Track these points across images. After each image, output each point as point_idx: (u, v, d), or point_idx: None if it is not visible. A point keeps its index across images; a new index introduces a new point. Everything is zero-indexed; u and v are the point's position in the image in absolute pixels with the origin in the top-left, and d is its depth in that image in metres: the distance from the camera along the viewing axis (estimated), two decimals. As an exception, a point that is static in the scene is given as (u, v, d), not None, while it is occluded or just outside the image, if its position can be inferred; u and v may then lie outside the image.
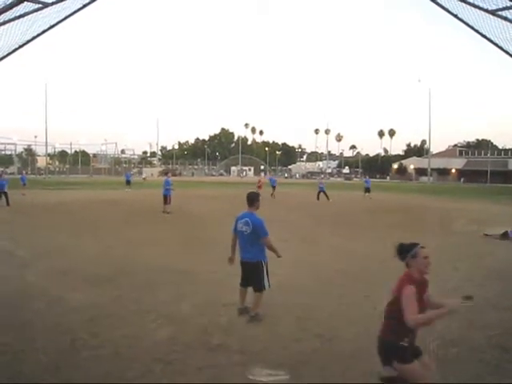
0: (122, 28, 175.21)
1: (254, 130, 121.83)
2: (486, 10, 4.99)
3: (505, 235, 10.56)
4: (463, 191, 37.63)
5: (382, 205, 20.32)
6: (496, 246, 9.64)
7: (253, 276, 4.73)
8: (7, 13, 4.34)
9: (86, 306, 5.05)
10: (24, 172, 30.37)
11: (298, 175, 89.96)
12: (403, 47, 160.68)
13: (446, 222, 13.66)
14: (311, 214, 16.46)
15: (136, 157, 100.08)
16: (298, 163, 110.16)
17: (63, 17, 5.21)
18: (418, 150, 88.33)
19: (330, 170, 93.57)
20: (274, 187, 25.44)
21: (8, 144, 73.09)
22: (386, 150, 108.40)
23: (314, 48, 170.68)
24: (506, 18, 4.95)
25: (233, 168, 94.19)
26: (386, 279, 6.43)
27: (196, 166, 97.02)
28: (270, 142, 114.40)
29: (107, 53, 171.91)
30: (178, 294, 5.56)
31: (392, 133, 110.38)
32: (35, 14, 4.70)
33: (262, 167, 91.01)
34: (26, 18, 4.66)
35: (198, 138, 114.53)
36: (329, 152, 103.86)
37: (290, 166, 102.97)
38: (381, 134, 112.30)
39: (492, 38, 5.44)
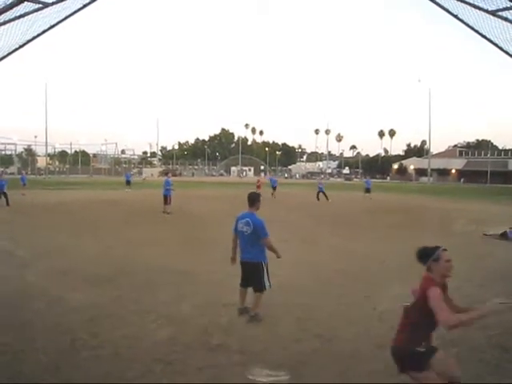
0: (122, 28, 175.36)
1: (254, 131, 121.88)
2: (486, 11, 5.00)
3: (504, 235, 10.57)
4: (463, 191, 37.63)
5: (382, 205, 20.31)
6: (496, 247, 9.65)
7: (253, 276, 4.73)
8: (7, 13, 4.34)
9: (85, 306, 5.05)
10: (24, 172, 30.31)
11: (298, 175, 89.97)
12: (403, 47, 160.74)
13: (445, 223, 13.66)
14: (311, 214, 16.46)
15: (136, 157, 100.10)
16: (298, 163, 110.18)
17: (63, 17, 5.22)
18: (418, 151, 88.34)
19: (330, 171, 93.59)
20: (274, 188, 25.34)
21: (8, 144, 73.11)
22: (386, 151, 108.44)
23: (314, 48, 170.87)
24: (506, 19, 4.95)
25: (233, 168, 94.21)
26: (386, 279, 6.47)
27: (196, 167, 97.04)
28: (270, 142, 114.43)
29: (107, 53, 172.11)
30: (178, 295, 5.56)
31: (392, 133, 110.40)
32: (35, 14, 4.70)
33: (262, 167, 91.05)
34: (26, 18, 4.66)
35: (198, 138, 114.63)
36: (329, 152, 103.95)
37: (290, 167, 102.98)
38: (381, 134, 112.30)
39: (492, 39, 5.45)
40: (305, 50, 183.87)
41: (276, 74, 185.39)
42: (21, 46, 5.20)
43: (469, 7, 5.16)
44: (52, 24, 5.19)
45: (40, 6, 4.62)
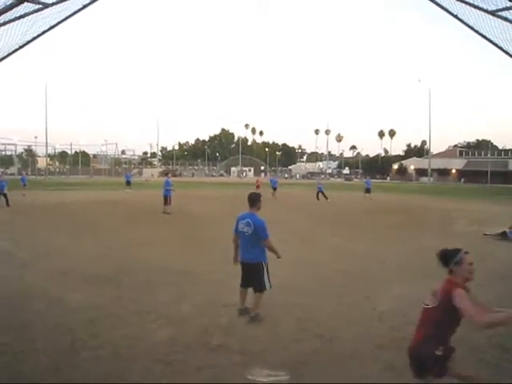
0: (122, 29, 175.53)
1: (254, 131, 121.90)
2: (486, 11, 5.00)
3: (504, 234, 10.57)
4: (463, 192, 37.63)
5: (382, 205, 20.32)
6: (496, 247, 9.64)
7: (253, 277, 4.72)
8: (7, 13, 4.35)
9: (85, 306, 5.05)
10: (24, 173, 30.37)
11: (298, 176, 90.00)
12: (403, 47, 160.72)
13: (446, 223, 13.66)
14: (311, 214, 16.46)
15: (136, 157, 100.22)
16: (298, 164, 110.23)
17: (63, 17, 5.23)
18: (419, 151, 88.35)
19: (330, 171, 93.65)
20: (274, 188, 25.06)
21: (8, 144, 73.24)
22: (386, 151, 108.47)
23: (314, 48, 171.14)
24: (506, 19, 4.96)
25: (233, 168, 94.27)
26: (386, 280, 6.47)
27: (196, 167, 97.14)
28: (270, 142, 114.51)
29: (107, 53, 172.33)
30: (178, 295, 5.56)
31: (392, 133, 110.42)
32: (35, 14, 4.71)
33: (262, 168, 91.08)
34: (26, 18, 4.67)
35: (198, 139, 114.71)
36: (329, 152, 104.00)
37: (290, 167, 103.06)
38: (381, 134, 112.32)
39: (492, 39, 5.45)
40: (305, 50, 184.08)
41: (276, 74, 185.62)
42: (21, 47, 5.21)
43: (469, 7, 5.16)
44: (52, 25, 5.21)
45: (40, 6, 4.62)
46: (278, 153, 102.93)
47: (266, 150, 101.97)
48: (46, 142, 58.85)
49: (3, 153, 74.99)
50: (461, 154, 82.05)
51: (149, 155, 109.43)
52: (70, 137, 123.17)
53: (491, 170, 64.57)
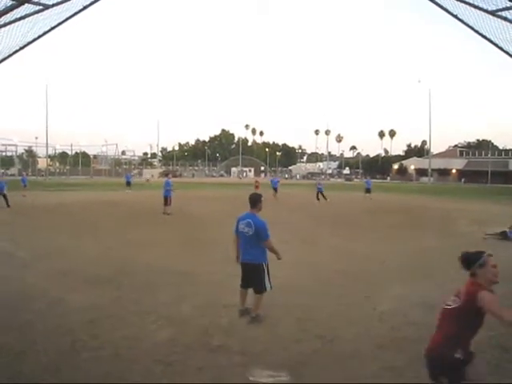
0: (123, 29, 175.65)
1: (254, 131, 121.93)
2: (486, 11, 5.01)
3: (503, 234, 10.58)
4: (464, 192, 37.62)
5: (383, 205, 20.31)
6: (496, 247, 9.62)
7: (253, 278, 4.72)
8: (8, 15, 4.36)
9: (86, 307, 5.05)
10: (24, 173, 30.33)
11: (298, 176, 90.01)
12: (403, 47, 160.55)
13: (446, 223, 13.66)
14: (311, 214, 16.46)
15: (136, 158, 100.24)
16: (298, 164, 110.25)
17: (64, 18, 5.24)
18: (419, 151, 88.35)
19: (330, 171, 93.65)
20: (275, 189, 24.65)
21: (9, 145, 73.10)
22: (386, 151, 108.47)
23: (314, 48, 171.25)
24: (505, 19, 4.96)
25: (233, 169, 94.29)
26: (387, 280, 6.47)
27: (196, 167, 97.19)
28: (271, 142, 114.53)
29: (108, 54, 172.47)
30: (178, 295, 5.56)
31: (392, 133, 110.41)
32: (36, 15, 4.72)
33: (263, 168, 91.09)
34: (26, 19, 4.68)
35: (198, 139, 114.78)
36: (329, 153, 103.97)
37: (290, 167, 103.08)
38: (381, 134, 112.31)
39: (492, 39, 5.46)
40: (305, 50, 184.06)
41: (276, 74, 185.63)
42: (21, 48, 5.22)
43: (469, 7, 5.17)
44: (52, 26, 5.22)
45: (40, 7, 4.63)
46: (278, 153, 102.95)
47: (267, 150, 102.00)
48: (47, 143, 58.89)
49: (4, 153, 74.92)
50: (461, 154, 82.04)
51: (149, 156, 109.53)
52: (70, 137, 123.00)
53: (491, 170, 64.55)
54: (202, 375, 3.50)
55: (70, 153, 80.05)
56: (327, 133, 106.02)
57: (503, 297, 5.56)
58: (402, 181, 70.26)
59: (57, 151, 79.37)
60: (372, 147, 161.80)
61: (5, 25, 4.57)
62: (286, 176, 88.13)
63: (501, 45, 5.45)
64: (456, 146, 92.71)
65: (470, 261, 2.65)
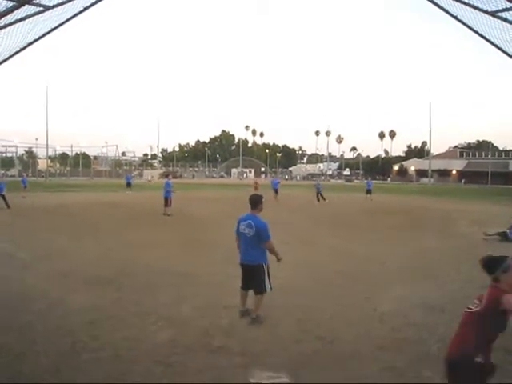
0: (123, 30, 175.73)
1: (254, 132, 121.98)
2: (486, 12, 5.00)
3: (504, 235, 10.57)
4: (464, 192, 37.61)
5: (383, 206, 20.32)
6: (497, 247, 9.62)
7: (254, 279, 4.71)
8: (8, 16, 4.36)
9: (86, 308, 5.05)
10: (24, 174, 30.29)
11: (298, 177, 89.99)
12: (403, 48, 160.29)
13: (446, 224, 13.66)
14: (312, 215, 16.47)
15: (137, 159, 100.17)
16: (298, 165, 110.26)
17: (64, 19, 5.24)
18: (419, 152, 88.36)
19: (330, 172, 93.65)
20: (276, 190, 24.30)
21: (9, 146, 73.06)
22: (386, 152, 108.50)
23: (314, 49, 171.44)
24: (505, 20, 4.96)
25: (233, 170, 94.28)
26: (387, 281, 6.46)
27: (197, 168, 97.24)
28: (271, 143, 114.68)
29: (108, 55, 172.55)
30: (178, 296, 5.56)
31: (392, 134, 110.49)
32: (36, 17, 4.72)
33: (263, 169, 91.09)
34: (27, 21, 4.68)
35: (198, 141, 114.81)
36: (329, 154, 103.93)
37: (290, 168, 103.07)
38: (381, 135, 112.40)
39: (492, 40, 5.46)
40: (305, 50, 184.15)
41: (276, 75, 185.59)
42: (22, 49, 5.22)
43: (468, 8, 5.17)
44: (53, 27, 5.22)
45: (41, 8, 4.64)
46: (278, 154, 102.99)
47: (267, 151, 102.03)
48: (47, 144, 58.90)
49: (4, 155, 74.94)
50: (461, 154, 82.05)
51: (149, 157, 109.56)
52: (70, 138, 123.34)
53: (492, 170, 64.58)
54: (202, 376, 3.49)
55: (70, 154, 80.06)
56: (327, 134, 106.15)
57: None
58: (403, 182, 70.28)
59: (57, 152, 79.40)
60: (372, 148, 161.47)
61: (5, 26, 4.57)
62: (287, 177, 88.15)
63: (501, 45, 5.45)
64: (456, 146, 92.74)
65: (493, 265, 2.56)
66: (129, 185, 29.76)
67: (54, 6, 4.71)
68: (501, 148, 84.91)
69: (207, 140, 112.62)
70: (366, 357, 3.86)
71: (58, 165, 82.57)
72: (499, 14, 4.94)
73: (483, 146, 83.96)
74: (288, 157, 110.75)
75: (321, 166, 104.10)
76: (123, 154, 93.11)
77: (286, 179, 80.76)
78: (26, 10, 4.50)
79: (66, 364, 3.66)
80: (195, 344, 4.10)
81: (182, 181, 55.53)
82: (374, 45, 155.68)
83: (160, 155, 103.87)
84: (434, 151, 78.15)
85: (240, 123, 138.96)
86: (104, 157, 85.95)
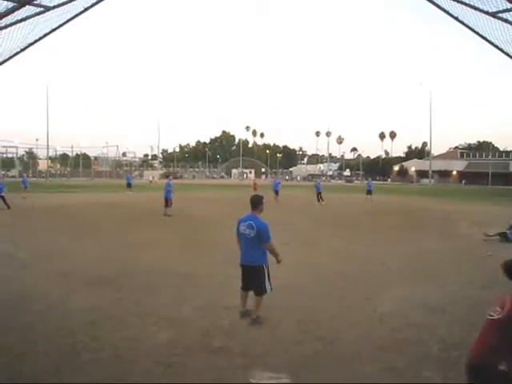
0: (123, 31, 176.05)
1: (254, 133, 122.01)
2: (487, 12, 5.01)
3: (504, 235, 10.57)
4: (464, 193, 37.59)
5: (383, 207, 20.31)
6: (497, 248, 9.61)
7: (254, 280, 4.70)
8: (9, 16, 4.37)
9: (86, 308, 5.05)
10: (25, 175, 30.29)
11: (299, 178, 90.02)
12: (403, 48, 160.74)
13: (447, 224, 13.65)
14: (312, 216, 16.46)
15: (137, 160, 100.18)
16: (298, 166, 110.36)
17: (65, 20, 5.25)
18: (419, 152, 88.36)
19: (331, 173, 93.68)
20: (276, 191, 23.99)
21: (9, 147, 73.12)
22: (387, 152, 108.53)
23: (314, 49, 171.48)
24: (506, 20, 4.96)
25: (234, 171, 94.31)
26: (387, 281, 6.46)
27: (197, 169, 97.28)
28: (271, 144, 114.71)
29: (108, 56, 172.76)
30: (178, 297, 5.56)
31: (393, 135, 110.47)
32: (37, 17, 4.73)
33: (263, 170, 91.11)
34: (27, 21, 4.69)
35: (199, 141, 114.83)
36: (330, 154, 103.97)
37: (290, 169, 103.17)
38: (382, 136, 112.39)
39: (492, 40, 5.46)
40: (305, 51, 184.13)
41: (277, 75, 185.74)
42: (22, 50, 5.23)
43: (469, 9, 5.17)
44: (53, 27, 5.23)
45: (41, 9, 4.64)
46: (278, 155, 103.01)
47: (267, 152, 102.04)
48: (48, 145, 58.98)
49: (4, 155, 75.00)
50: (462, 155, 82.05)
51: (150, 157, 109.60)
52: (71, 139, 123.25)
53: (492, 171, 64.55)
54: (202, 376, 3.49)
55: (70, 154, 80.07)
56: (328, 134, 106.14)
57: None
58: (403, 182, 70.30)
59: (57, 153, 79.46)
60: (373, 149, 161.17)
61: (6, 26, 4.58)
62: (287, 177, 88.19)
63: (501, 46, 5.45)
64: (456, 147, 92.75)
65: None
66: (129, 185, 29.77)
67: (54, 7, 4.72)
68: (501, 149, 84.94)
69: (208, 140, 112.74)
70: (366, 357, 3.86)
71: (58, 165, 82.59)
72: (500, 14, 4.94)
73: (484, 147, 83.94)
74: (288, 157, 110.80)
75: (321, 166, 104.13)
76: (124, 154, 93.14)
77: (287, 180, 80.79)
78: (27, 10, 4.51)
79: (66, 364, 3.65)
80: (195, 344, 4.10)
81: (182, 181, 55.55)
82: (375, 45, 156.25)
83: (160, 156, 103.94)
84: (435, 152, 78.27)
85: (240, 124, 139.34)
86: (104, 157, 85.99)
